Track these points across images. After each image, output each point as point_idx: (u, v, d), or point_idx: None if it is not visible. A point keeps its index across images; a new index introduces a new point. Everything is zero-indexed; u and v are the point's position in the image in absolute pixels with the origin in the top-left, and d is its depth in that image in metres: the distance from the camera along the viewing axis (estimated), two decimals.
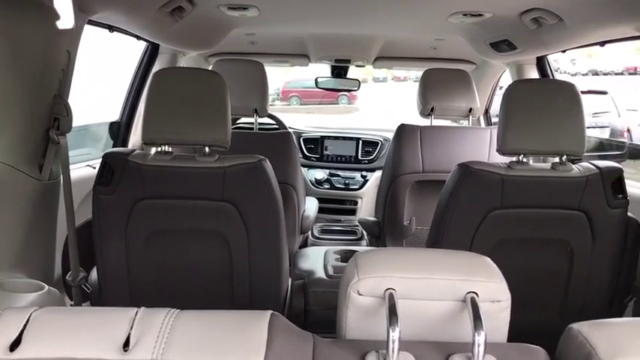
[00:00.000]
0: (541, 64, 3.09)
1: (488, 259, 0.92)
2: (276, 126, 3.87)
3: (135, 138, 3.06)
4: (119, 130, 3.00)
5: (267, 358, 0.75)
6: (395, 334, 0.78)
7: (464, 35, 3.01)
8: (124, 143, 3.01)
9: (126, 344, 0.76)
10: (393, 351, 0.78)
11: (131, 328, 0.77)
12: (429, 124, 3.11)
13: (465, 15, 2.52)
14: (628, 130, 10.80)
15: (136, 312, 0.80)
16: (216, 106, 1.84)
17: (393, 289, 0.83)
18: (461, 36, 3.04)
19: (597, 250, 1.95)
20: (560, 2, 2.08)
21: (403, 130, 3.09)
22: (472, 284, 0.84)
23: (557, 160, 1.95)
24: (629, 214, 1.96)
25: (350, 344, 0.84)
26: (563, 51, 2.69)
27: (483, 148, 3.00)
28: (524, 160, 1.95)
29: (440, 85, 3.10)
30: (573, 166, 1.94)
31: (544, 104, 1.90)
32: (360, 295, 0.85)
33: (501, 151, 1.94)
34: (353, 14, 2.75)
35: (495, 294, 0.85)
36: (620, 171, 1.93)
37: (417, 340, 0.83)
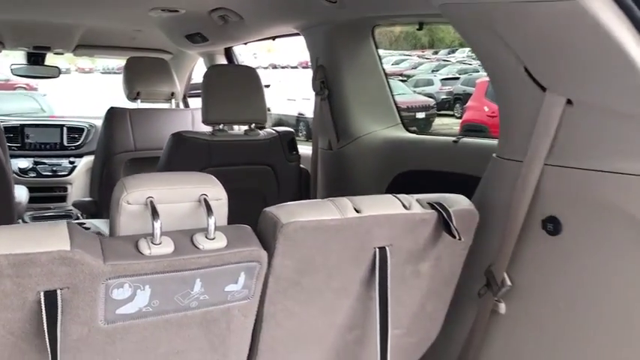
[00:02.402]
0: (228, 54, 3.69)
1: (210, 175, 1.37)
2: None
3: None
4: None
5: (73, 244, 1.07)
6: (157, 224, 1.17)
7: (162, 28, 3.41)
8: None
9: None
10: (157, 235, 1.17)
11: None
12: (137, 107, 3.44)
13: (163, 10, 2.92)
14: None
15: None
16: None
17: (152, 197, 1.22)
18: (159, 28, 3.43)
19: (281, 195, 2.59)
20: (240, 4, 2.65)
21: (113, 113, 3.36)
22: (203, 189, 1.28)
23: (247, 127, 2.53)
24: (301, 165, 2.66)
25: (124, 237, 1.20)
26: (245, 43, 3.31)
27: (187, 126, 3.46)
28: (224, 128, 2.47)
29: (143, 72, 3.44)
30: (260, 131, 2.54)
31: (235, 84, 2.45)
32: (129, 204, 1.22)
33: (206, 121, 2.42)
34: (51, 2, 2.88)
35: (217, 195, 1.30)
36: (293, 133, 2.60)
37: (171, 230, 1.23)
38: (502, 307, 1.62)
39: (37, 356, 1.13)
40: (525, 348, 1.59)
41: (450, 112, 14.95)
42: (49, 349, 1.08)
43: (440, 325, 1.69)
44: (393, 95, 2.54)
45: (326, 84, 2.54)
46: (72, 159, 4.21)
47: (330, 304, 1.45)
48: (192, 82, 4.33)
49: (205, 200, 1.27)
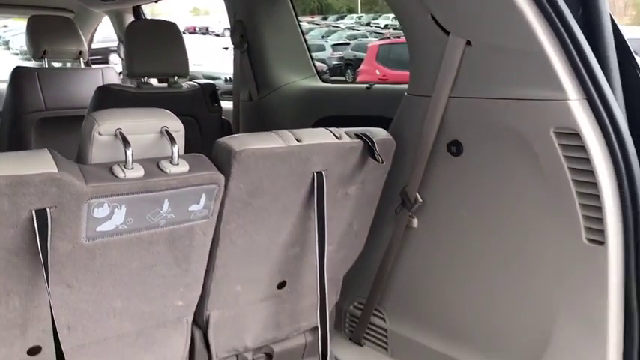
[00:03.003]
0: (137, 12, 3.71)
1: (168, 110, 1.52)
2: None
3: None
4: None
5: (59, 167, 1.20)
6: (129, 152, 1.32)
7: None
8: None
9: None
10: (129, 161, 1.32)
11: None
12: (44, 67, 3.39)
13: None
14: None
15: None
16: None
17: (121, 128, 1.36)
18: None
19: (205, 145, 2.73)
20: None
21: (19, 72, 3.29)
22: (163, 122, 1.44)
23: (167, 80, 2.64)
24: (223, 117, 2.81)
25: (98, 165, 1.34)
26: (156, 1, 3.36)
27: (98, 84, 3.47)
28: (148, 81, 2.57)
29: (48, 30, 3.38)
30: (182, 83, 2.66)
31: (158, 38, 2.54)
32: (101, 135, 1.35)
33: (131, 74, 2.50)
34: None
35: (176, 127, 1.46)
36: (214, 86, 2.75)
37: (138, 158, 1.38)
38: (415, 222, 1.93)
39: (26, 271, 1.26)
40: (435, 255, 1.91)
41: (342, 78, 15.41)
42: (42, 262, 1.22)
43: (364, 241, 1.97)
44: (308, 48, 2.76)
45: (245, 38, 2.70)
46: None
47: (275, 223, 1.67)
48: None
49: (167, 132, 1.43)
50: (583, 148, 1.43)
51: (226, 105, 3.01)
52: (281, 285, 1.83)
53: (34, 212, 1.20)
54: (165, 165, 1.39)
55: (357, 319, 2.19)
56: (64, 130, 3.37)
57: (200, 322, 1.73)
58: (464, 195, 1.78)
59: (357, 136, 1.73)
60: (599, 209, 1.44)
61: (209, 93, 2.71)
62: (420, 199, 1.86)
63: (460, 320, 1.85)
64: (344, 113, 2.49)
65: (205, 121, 2.72)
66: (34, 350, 1.39)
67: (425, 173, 1.83)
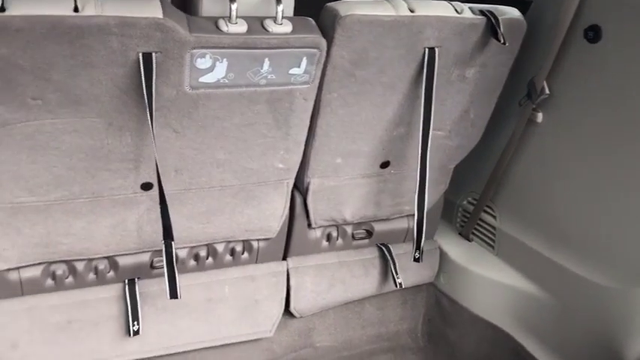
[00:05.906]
0: None
1: None
2: None
3: None
4: None
5: (165, 14, 1.27)
6: (234, 6, 1.35)
7: None
8: None
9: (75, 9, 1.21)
10: (233, 16, 1.35)
11: None
12: None
13: None
14: None
15: None
16: None
17: None
18: None
19: None
20: None
21: None
22: None
23: None
24: None
25: (206, 17, 1.39)
26: None
27: None
28: None
29: None
30: None
31: None
32: None
33: None
34: None
35: None
36: None
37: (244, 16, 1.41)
38: (539, 117, 1.77)
39: (135, 109, 1.39)
40: (556, 155, 1.76)
41: None
42: (146, 101, 1.33)
43: (481, 132, 1.86)
44: None
45: None
46: None
47: (380, 98, 1.63)
48: None
49: None
50: None
51: None
52: (384, 165, 1.81)
53: (140, 54, 1.30)
54: (268, 23, 1.40)
55: (468, 215, 2.13)
56: None
57: (301, 188, 1.79)
58: (598, 88, 1.58)
59: (481, 12, 1.59)
60: None
61: None
62: (547, 91, 1.69)
63: (572, 228, 1.71)
64: None
65: None
66: (147, 186, 1.55)
67: (556, 61, 1.64)
